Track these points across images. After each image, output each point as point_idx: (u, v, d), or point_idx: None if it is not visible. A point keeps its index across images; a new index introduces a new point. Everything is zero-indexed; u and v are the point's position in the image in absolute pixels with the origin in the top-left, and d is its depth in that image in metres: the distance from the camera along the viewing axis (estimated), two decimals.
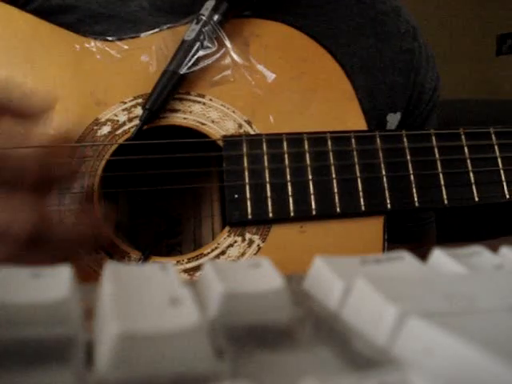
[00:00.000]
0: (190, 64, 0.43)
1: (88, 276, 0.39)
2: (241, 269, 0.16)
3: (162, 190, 0.45)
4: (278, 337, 0.14)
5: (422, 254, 0.19)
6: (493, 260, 0.18)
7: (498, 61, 2.34)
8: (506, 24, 2.28)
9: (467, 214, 0.85)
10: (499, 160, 0.44)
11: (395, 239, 0.60)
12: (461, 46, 2.27)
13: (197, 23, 0.44)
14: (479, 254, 0.18)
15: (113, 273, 0.15)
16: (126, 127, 0.42)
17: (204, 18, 0.44)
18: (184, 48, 0.43)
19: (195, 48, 0.43)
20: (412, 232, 0.61)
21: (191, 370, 0.12)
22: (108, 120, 0.43)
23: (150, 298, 0.13)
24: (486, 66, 2.33)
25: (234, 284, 0.15)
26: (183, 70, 0.43)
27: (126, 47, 0.44)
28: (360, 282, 0.15)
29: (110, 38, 0.45)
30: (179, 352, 0.12)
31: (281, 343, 0.14)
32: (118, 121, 0.43)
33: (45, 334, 0.13)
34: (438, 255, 0.18)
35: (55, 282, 0.14)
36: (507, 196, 0.44)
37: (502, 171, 0.44)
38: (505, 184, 0.44)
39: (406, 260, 0.18)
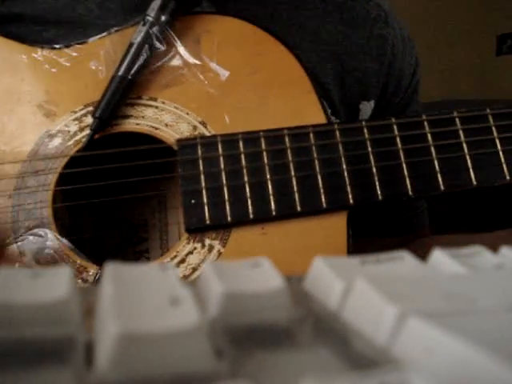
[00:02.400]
0: (139, 67, 0.42)
1: None
2: (241, 269, 0.16)
3: (125, 198, 0.43)
4: (278, 337, 0.14)
5: (422, 255, 0.19)
6: (493, 260, 0.18)
7: (498, 61, 2.34)
8: (506, 24, 2.28)
9: (460, 204, 0.85)
10: (497, 141, 0.43)
11: (388, 232, 0.60)
12: (461, 46, 2.27)
13: (143, 24, 0.42)
14: (479, 254, 0.18)
15: (113, 273, 0.15)
16: (77, 137, 0.41)
17: (151, 18, 0.42)
18: (132, 51, 0.42)
19: (144, 50, 0.42)
20: (404, 223, 0.60)
21: (191, 370, 0.12)
22: (59, 131, 0.41)
23: (150, 298, 0.13)
24: (486, 66, 2.33)
25: (234, 284, 0.15)
26: (132, 74, 0.41)
27: (74, 54, 0.43)
28: (360, 281, 0.15)
29: (57, 46, 0.43)
30: (179, 352, 0.12)
31: (281, 343, 0.14)
32: (69, 131, 0.41)
33: (45, 334, 0.13)
34: (438, 255, 0.18)
35: (55, 282, 0.14)
36: (507, 177, 0.42)
37: (500, 153, 0.42)
38: (504, 166, 0.42)
39: (405, 260, 0.18)
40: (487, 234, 0.49)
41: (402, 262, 0.17)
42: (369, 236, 0.58)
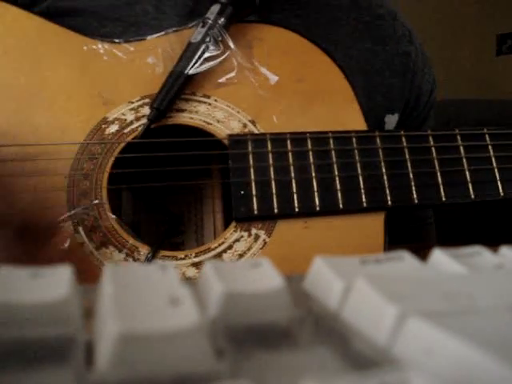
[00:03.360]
0: (195, 65, 0.44)
1: (98, 271, 0.39)
2: (241, 269, 0.16)
3: (165, 188, 0.46)
4: (278, 337, 0.14)
5: (423, 255, 0.19)
6: (493, 260, 0.18)
7: (498, 61, 2.34)
8: (506, 24, 2.28)
9: (468, 217, 0.86)
10: (493, 159, 0.46)
11: (397, 240, 0.61)
12: (461, 46, 2.27)
13: (203, 26, 0.45)
14: (479, 254, 0.18)
15: (113, 273, 0.15)
16: (133, 126, 0.43)
17: (210, 21, 0.45)
18: (190, 50, 0.44)
19: (201, 50, 0.44)
20: (413, 232, 0.62)
21: (191, 370, 0.12)
22: (116, 119, 0.43)
23: (150, 298, 0.13)
24: (486, 66, 2.33)
25: (234, 284, 0.15)
26: (189, 71, 0.44)
27: (132, 49, 0.46)
28: (360, 282, 0.15)
29: (116, 40, 0.46)
30: (179, 352, 0.12)
31: (281, 343, 0.14)
32: (125, 120, 0.44)
33: (45, 334, 0.13)
34: (438, 255, 0.18)
35: (55, 282, 0.14)
36: (501, 194, 0.45)
37: (496, 170, 0.46)
38: (499, 182, 0.46)
39: (406, 260, 0.18)
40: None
41: (402, 262, 0.17)
42: None
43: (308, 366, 0.13)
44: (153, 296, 0.13)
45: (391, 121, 0.56)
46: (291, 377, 0.12)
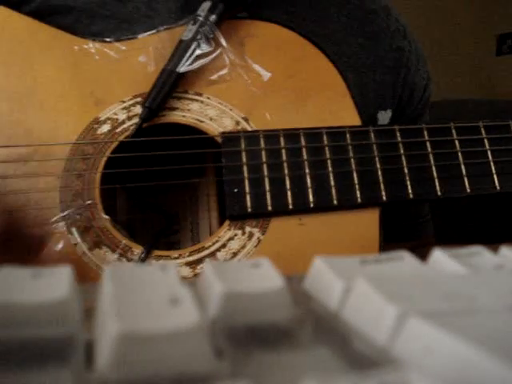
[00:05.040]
0: (187, 63, 0.44)
1: (91, 272, 0.39)
2: (241, 269, 0.16)
3: (159, 186, 0.45)
4: (278, 337, 0.14)
5: (423, 254, 0.19)
6: (493, 260, 0.18)
7: (497, 61, 2.34)
8: (506, 24, 2.28)
9: (466, 214, 0.85)
10: (489, 153, 0.45)
11: (394, 238, 0.61)
12: (461, 46, 2.27)
13: (194, 24, 0.45)
14: (479, 254, 0.18)
15: (113, 273, 0.15)
16: (125, 125, 0.43)
17: (201, 18, 0.44)
18: (182, 48, 0.44)
19: (192, 48, 0.44)
20: (410, 230, 0.62)
21: (191, 370, 0.12)
22: (108, 118, 0.43)
23: (150, 298, 0.13)
24: (486, 66, 2.33)
25: (234, 284, 0.15)
26: (181, 69, 0.44)
27: (123, 48, 0.45)
28: (360, 281, 0.15)
29: (107, 39, 0.45)
30: (179, 352, 0.12)
31: (281, 343, 0.14)
32: (117, 119, 0.43)
33: (45, 334, 0.13)
34: (438, 255, 0.18)
35: (55, 282, 0.14)
36: (498, 187, 0.45)
37: (492, 163, 0.45)
38: (495, 176, 0.45)
39: (406, 260, 0.18)
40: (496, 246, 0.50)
41: (402, 262, 0.17)
42: None
43: (308, 366, 0.13)
44: (153, 296, 0.13)
45: (384, 117, 0.56)
46: (291, 377, 0.12)
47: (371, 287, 0.14)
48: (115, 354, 0.11)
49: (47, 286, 0.14)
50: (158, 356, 0.12)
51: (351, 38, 0.55)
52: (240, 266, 0.17)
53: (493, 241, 0.50)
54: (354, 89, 0.53)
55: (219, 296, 0.14)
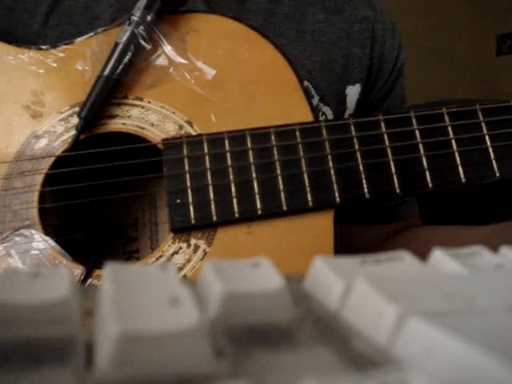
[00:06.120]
0: (125, 67, 0.41)
1: None
2: (241, 269, 0.16)
3: (114, 198, 0.43)
4: (278, 337, 0.14)
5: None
6: (493, 260, 0.18)
7: (498, 61, 2.34)
8: (506, 24, 2.28)
9: (451, 197, 0.85)
10: (487, 138, 0.42)
11: (374, 220, 0.59)
12: (461, 46, 2.27)
13: (129, 24, 0.42)
14: (479, 254, 0.18)
15: (113, 273, 0.15)
16: (63, 138, 0.41)
17: (136, 18, 0.42)
18: (117, 51, 0.42)
19: (129, 50, 0.41)
20: (389, 211, 0.60)
21: (191, 370, 0.12)
22: (45, 132, 0.41)
23: (150, 298, 0.13)
24: (486, 66, 2.33)
25: (233, 284, 0.15)
26: (118, 74, 0.41)
27: (61, 55, 0.43)
28: (360, 282, 0.15)
29: (43, 47, 0.43)
30: (179, 352, 0.12)
31: (281, 343, 0.14)
32: (55, 132, 0.41)
33: (45, 334, 0.13)
34: (438, 255, 0.18)
35: (55, 282, 0.14)
36: (497, 174, 0.41)
37: (490, 149, 0.42)
38: (494, 162, 0.41)
39: (406, 260, 0.18)
40: (483, 226, 0.48)
41: (402, 262, 0.17)
42: (354, 223, 0.58)
43: (308, 366, 0.13)
44: (153, 296, 0.13)
45: (352, 92, 0.53)
46: (291, 377, 0.12)
47: (371, 287, 0.14)
48: (115, 354, 0.11)
49: (47, 286, 0.14)
50: (157, 356, 0.12)
51: (311, 15, 0.53)
52: (240, 266, 0.17)
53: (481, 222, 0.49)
54: (320, 67, 0.51)
55: (219, 296, 0.14)
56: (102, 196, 0.41)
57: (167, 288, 0.14)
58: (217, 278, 0.15)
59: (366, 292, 0.14)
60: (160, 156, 0.41)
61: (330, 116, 0.52)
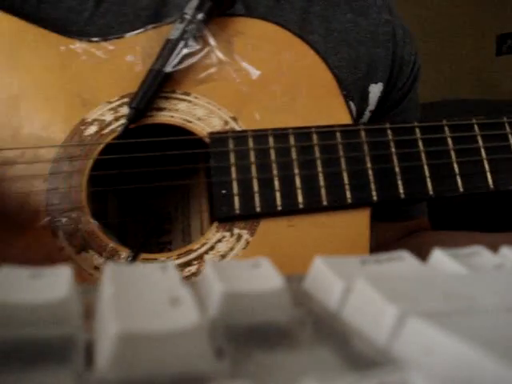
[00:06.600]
0: (174, 63, 0.43)
1: (77, 275, 0.39)
2: (241, 269, 0.16)
3: (150, 188, 0.45)
4: (278, 337, 0.14)
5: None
6: (493, 260, 0.18)
7: (498, 61, 2.34)
8: (506, 24, 2.28)
9: (462, 206, 0.85)
10: (482, 150, 0.45)
11: (386, 217, 0.61)
12: (461, 46, 2.27)
13: (181, 22, 0.44)
14: (479, 253, 0.18)
15: (113, 273, 0.15)
16: (112, 126, 0.43)
17: (188, 16, 0.44)
18: (168, 47, 0.43)
19: (180, 47, 0.43)
20: (399, 210, 0.62)
21: (191, 370, 0.12)
22: (95, 120, 0.43)
23: (150, 298, 0.13)
24: (486, 66, 2.33)
25: (233, 284, 0.15)
26: (168, 69, 0.43)
27: (111, 48, 0.45)
28: (360, 282, 0.15)
29: (94, 39, 0.45)
30: (179, 352, 0.12)
31: (281, 343, 0.14)
32: (104, 120, 0.43)
33: (45, 334, 0.13)
34: (438, 255, 0.18)
35: (55, 282, 0.14)
36: (491, 186, 0.44)
37: (485, 161, 0.45)
38: (488, 174, 0.44)
39: (406, 260, 0.18)
40: (487, 233, 0.50)
41: (402, 262, 0.17)
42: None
43: (308, 366, 0.13)
44: (153, 296, 0.13)
45: (375, 90, 0.56)
46: (291, 377, 0.12)
47: (371, 287, 0.14)
48: (115, 354, 0.11)
49: (47, 286, 0.14)
50: (157, 356, 0.12)
51: (339, 15, 0.55)
52: (240, 266, 0.17)
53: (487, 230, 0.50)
54: (347, 64, 0.54)
55: (219, 296, 0.14)
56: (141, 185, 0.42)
57: (167, 288, 0.14)
58: (217, 278, 0.15)
59: (366, 292, 0.14)
60: (203, 149, 0.43)
61: (353, 110, 0.55)
